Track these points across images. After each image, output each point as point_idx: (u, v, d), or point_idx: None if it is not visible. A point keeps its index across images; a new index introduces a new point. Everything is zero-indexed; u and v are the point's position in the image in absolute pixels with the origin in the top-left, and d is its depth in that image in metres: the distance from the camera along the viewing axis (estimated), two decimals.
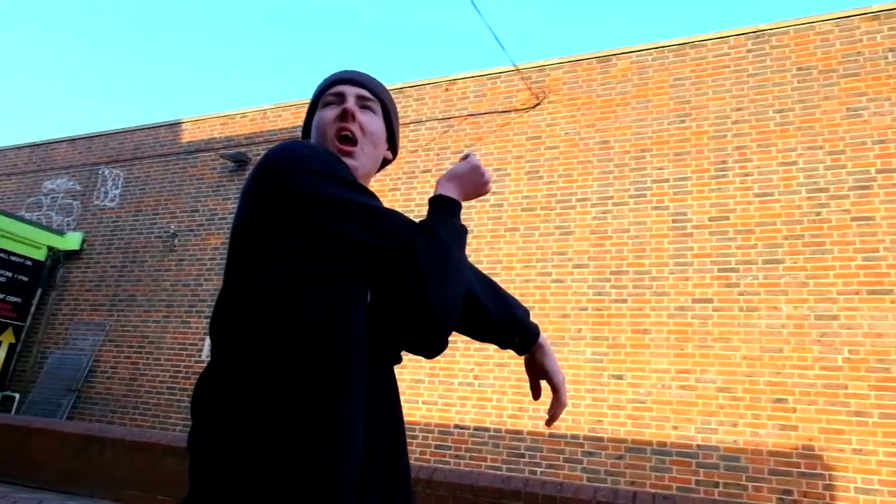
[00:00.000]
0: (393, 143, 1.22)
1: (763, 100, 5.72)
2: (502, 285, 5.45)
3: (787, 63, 5.74)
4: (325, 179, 0.95)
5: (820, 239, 5.16)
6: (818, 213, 5.23)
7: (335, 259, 0.92)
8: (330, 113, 1.11)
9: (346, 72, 1.19)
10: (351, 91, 1.13)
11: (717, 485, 4.85)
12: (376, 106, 1.15)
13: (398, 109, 1.40)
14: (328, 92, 1.15)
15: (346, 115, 1.09)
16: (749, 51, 5.92)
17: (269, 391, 0.85)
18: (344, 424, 0.87)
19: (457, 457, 5.71)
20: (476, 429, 5.78)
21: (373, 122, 1.13)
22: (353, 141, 1.09)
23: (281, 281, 0.90)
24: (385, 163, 1.22)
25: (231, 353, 0.91)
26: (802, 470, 4.66)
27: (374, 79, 1.19)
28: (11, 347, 8.29)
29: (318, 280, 0.91)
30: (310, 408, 0.85)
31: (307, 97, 8.15)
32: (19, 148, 10.43)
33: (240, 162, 8.13)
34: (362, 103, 1.13)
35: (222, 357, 0.92)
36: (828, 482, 4.57)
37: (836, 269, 5.03)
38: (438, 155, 7.00)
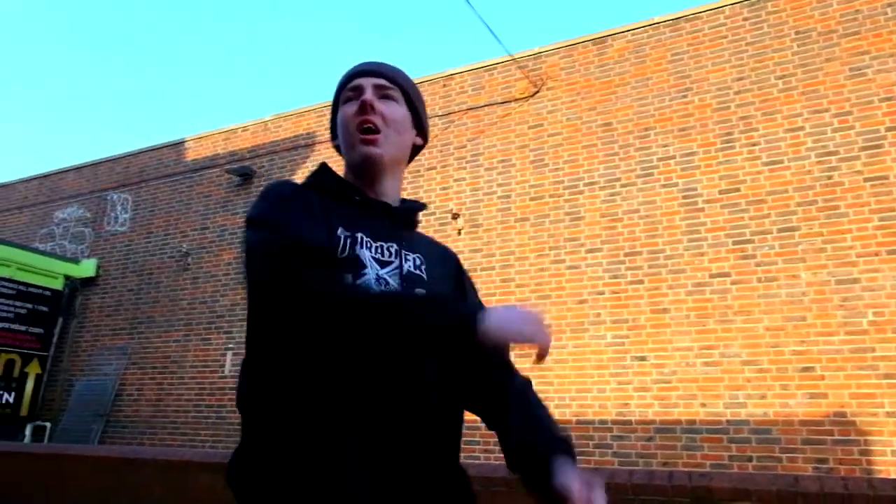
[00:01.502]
0: (421, 128, 1.19)
1: (764, 67, 5.66)
2: (517, 277, 5.46)
3: (784, 28, 5.67)
4: (260, 230, 0.96)
5: (834, 203, 5.10)
6: (829, 177, 5.17)
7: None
8: (350, 108, 1.10)
9: (362, 64, 1.16)
10: (368, 83, 1.11)
11: (750, 459, 4.82)
12: (396, 93, 1.13)
13: None
14: (347, 88, 1.14)
15: (364, 108, 1.08)
16: (745, 19, 5.86)
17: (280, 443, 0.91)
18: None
19: (486, 451, 5.72)
20: None
21: (394, 110, 1.11)
22: (375, 131, 1.08)
23: (261, 335, 0.98)
24: (417, 149, 1.20)
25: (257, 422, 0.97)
26: (836, 437, 4.62)
27: (392, 67, 1.16)
28: (38, 378, 8.40)
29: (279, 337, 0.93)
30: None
31: (305, 105, 8.17)
32: (27, 181, 10.54)
33: (245, 175, 8.16)
34: (381, 93, 1.11)
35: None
36: (863, 447, 4.53)
37: (853, 232, 4.98)
38: (441, 151, 6.99)
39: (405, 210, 1.14)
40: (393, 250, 1.04)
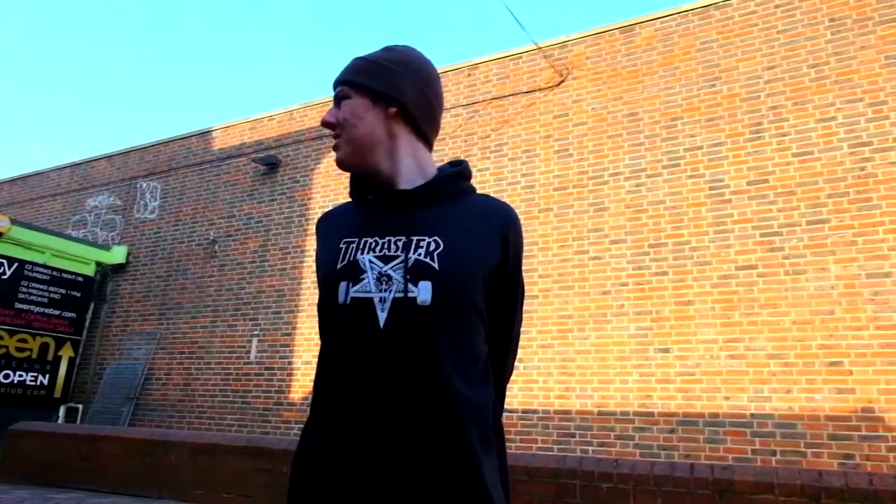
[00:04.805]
0: (386, 97, 1.11)
1: (796, 56, 5.54)
2: (539, 267, 5.47)
3: (818, 15, 5.53)
4: None
5: (866, 195, 4.99)
6: (862, 168, 5.05)
7: None
8: None
9: None
10: (334, 99, 1.18)
11: (774, 453, 4.78)
12: (346, 91, 1.13)
13: None
14: None
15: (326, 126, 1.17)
16: (777, 6, 5.73)
17: None
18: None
19: (507, 440, 5.76)
20: (524, 411, 5.81)
21: (345, 110, 1.12)
22: (337, 138, 1.15)
23: None
24: (409, 117, 1.12)
25: None
26: (863, 433, 4.55)
27: (346, 67, 1.16)
28: (71, 361, 8.65)
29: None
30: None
31: (330, 95, 8.21)
32: (60, 169, 10.80)
33: (271, 164, 8.26)
34: (339, 99, 1.15)
35: None
36: (891, 444, 4.46)
37: (885, 225, 4.87)
38: (466, 141, 6.99)
39: (425, 187, 1.10)
40: (401, 244, 1.04)
